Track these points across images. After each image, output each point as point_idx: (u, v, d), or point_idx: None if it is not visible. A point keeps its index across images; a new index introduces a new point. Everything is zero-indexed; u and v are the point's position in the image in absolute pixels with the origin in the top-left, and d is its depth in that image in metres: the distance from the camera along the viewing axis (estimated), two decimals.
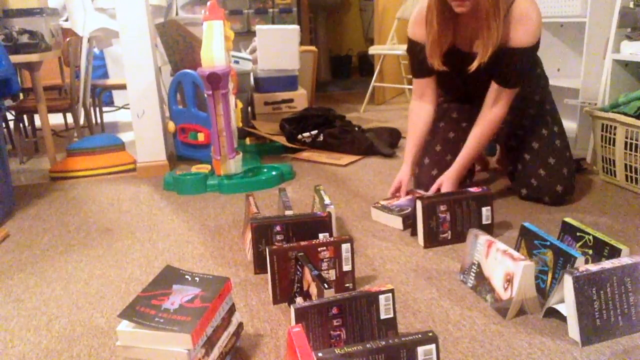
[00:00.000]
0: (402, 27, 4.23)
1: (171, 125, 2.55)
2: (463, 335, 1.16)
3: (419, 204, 1.59)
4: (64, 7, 3.36)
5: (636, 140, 1.88)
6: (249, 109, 3.23)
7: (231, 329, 1.10)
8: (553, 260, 1.25)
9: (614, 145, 1.98)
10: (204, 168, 2.35)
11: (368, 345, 0.91)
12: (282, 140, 2.75)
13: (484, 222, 1.62)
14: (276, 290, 1.31)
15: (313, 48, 3.80)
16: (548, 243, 1.27)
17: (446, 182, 1.76)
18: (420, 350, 0.93)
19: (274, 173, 2.29)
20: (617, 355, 1.07)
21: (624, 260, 1.14)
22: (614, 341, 1.11)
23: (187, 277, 1.10)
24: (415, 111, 1.88)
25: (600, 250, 1.28)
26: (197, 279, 1.09)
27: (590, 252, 1.31)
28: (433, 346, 0.93)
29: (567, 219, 1.40)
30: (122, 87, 3.00)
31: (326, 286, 1.12)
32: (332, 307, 1.07)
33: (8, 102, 3.37)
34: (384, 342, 0.91)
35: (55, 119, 3.74)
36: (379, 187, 2.17)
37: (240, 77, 2.87)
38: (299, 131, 2.79)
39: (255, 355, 1.13)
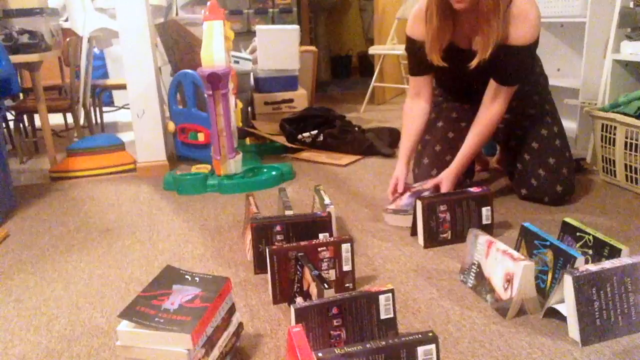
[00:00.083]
0: (402, 27, 4.22)
1: (171, 125, 2.55)
2: (463, 335, 1.16)
3: (419, 204, 1.59)
4: (64, 7, 3.36)
5: (636, 140, 1.88)
6: (249, 109, 3.23)
7: (231, 329, 1.10)
8: (553, 260, 1.25)
9: (614, 145, 1.98)
10: (204, 168, 2.35)
11: (368, 345, 0.91)
12: (282, 140, 2.75)
13: (484, 222, 1.62)
14: (276, 290, 1.31)
15: (313, 48, 3.80)
16: (548, 243, 1.27)
17: (445, 180, 1.76)
18: (420, 350, 0.93)
19: (274, 173, 2.29)
20: (617, 355, 1.07)
21: (624, 260, 1.14)
22: (614, 341, 1.11)
23: (187, 277, 1.10)
24: (411, 109, 1.88)
25: (600, 250, 1.28)
26: (197, 279, 1.09)
27: (590, 252, 1.31)
28: (433, 346, 0.93)
29: (567, 219, 1.40)
30: (122, 87, 3.00)
31: (326, 286, 1.12)
32: (332, 307, 1.07)
33: (8, 102, 3.37)
34: (384, 342, 0.91)
35: (55, 119, 3.74)
36: (379, 187, 2.17)
37: (240, 77, 2.87)
38: (299, 131, 2.79)
39: (255, 355, 1.13)
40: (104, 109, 4.07)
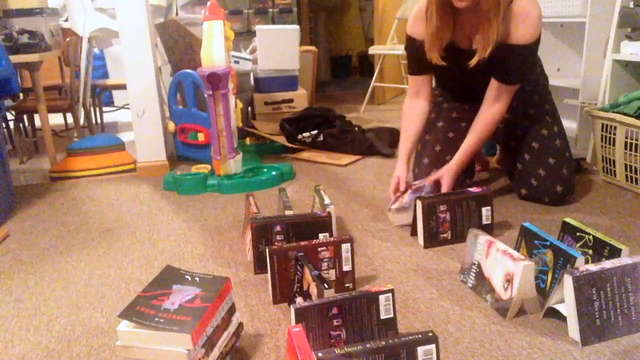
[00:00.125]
0: (402, 27, 4.22)
1: (171, 125, 2.55)
2: (463, 335, 1.16)
3: (419, 204, 1.59)
4: (64, 7, 3.36)
5: (636, 140, 1.88)
6: (249, 109, 3.23)
7: (231, 329, 1.10)
8: (553, 260, 1.25)
9: (614, 145, 1.98)
10: (204, 168, 2.35)
11: (368, 345, 0.91)
12: (282, 140, 2.75)
13: (484, 222, 1.62)
14: (276, 290, 1.31)
15: (313, 48, 3.80)
16: (548, 243, 1.27)
17: (446, 175, 1.75)
18: (420, 350, 0.93)
19: (274, 173, 2.29)
20: (617, 355, 1.07)
21: (624, 260, 1.14)
22: (614, 341, 1.11)
23: (187, 277, 1.10)
24: (410, 108, 1.87)
25: (600, 250, 1.28)
26: (197, 279, 1.09)
27: (590, 252, 1.31)
28: (433, 346, 0.93)
29: (567, 219, 1.40)
30: (122, 87, 3.00)
31: (326, 286, 1.12)
32: (332, 307, 1.07)
33: (8, 102, 3.37)
34: (384, 342, 0.91)
35: (55, 119, 3.74)
36: (379, 187, 2.17)
37: (240, 77, 2.87)
38: (299, 131, 2.79)
39: (255, 355, 1.13)
40: (104, 109, 4.07)
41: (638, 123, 1.85)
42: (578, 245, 1.35)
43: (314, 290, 1.18)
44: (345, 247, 1.32)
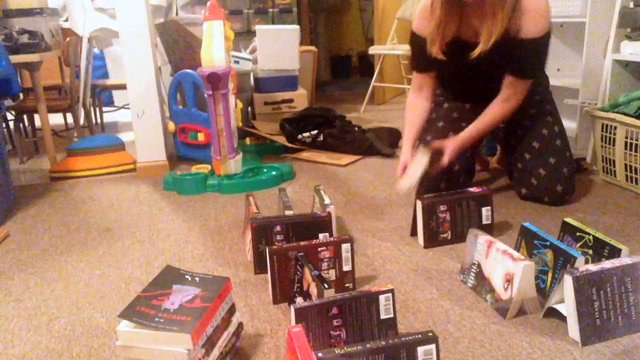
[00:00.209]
0: (402, 27, 4.23)
1: (171, 125, 2.55)
2: (463, 335, 1.16)
3: (419, 204, 1.59)
4: (64, 7, 3.36)
5: (636, 140, 1.88)
6: (249, 109, 3.23)
7: (231, 329, 1.10)
8: (553, 260, 1.25)
9: (614, 145, 1.98)
10: (204, 168, 2.35)
11: (368, 345, 0.91)
12: (282, 140, 2.75)
13: (484, 222, 1.62)
14: (276, 290, 1.31)
15: (313, 48, 3.80)
16: (548, 243, 1.27)
17: (449, 145, 1.76)
18: (420, 350, 0.93)
19: (274, 173, 2.29)
20: (617, 355, 1.07)
21: (624, 260, 1.14)
22: (614, 341, 1.11)
23: (187, 277, 1.10)
24: (413, 105, 1.90)
25: (600, 250, 1.28)
26: (197, 279, 1.09)
27: (590, 252, 1.31)
28: (433, 346, 0.93)
29: (567, 219, 1.40)
30: (122, 87, 2.99)
31: (326, 286, 1.12)
32: (332, 307, 1.07)
33: (8, 102, 3.37)
34: (384, 342, 0.91)
35: (55, 119, 3.73)
36: (379, 187, 2.17)
37: (240, 77, 2.87)
38: (299, 131, 2.79)
39: (255, 355, 1.13)
40: (104, 109, 4.07)
41: (638, 123, 1.85)
42: (578, 245, 1.35)
43: (314, 290, 1.18)
44: (345, 247, 1.32)
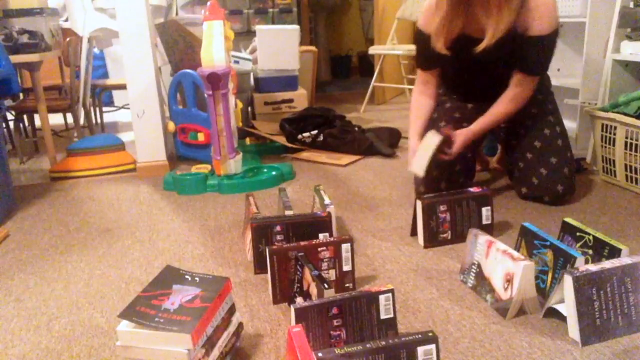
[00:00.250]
0: (402, 27, 4.23)
1: (171, 125, 2.55)
2: (463, 335, 1.16)
3: (419, 204, 1.59)
4: (64, 7, 3.36)
5: (636, 140, 1.88)
6: (249, 109, 3.23)
7: (231, 329, 1.10)
8: (553, 260, 1.25)
9: (614, 145, 1.98)
10: (204, 168, 2.35)
11: (368, 345, 0.91)
12: (282, 140, 2.75)
13: (484, 222, 1.62)
14: (276, 290, 1.31)
15: (313, 48, 3.80)
16: (548, 243, 1.27)
17: (459, 135, 1.78)
18: (420, 350, 0.93)
19: (274, 173, 2.29)
20: (617, 355, 1.07)
21: (624, 260, 1.14)
22: (614, 341, 1.11)
23: (187, 277, 1.10)
24: (418, 102, 1.93)
25: (600, 250, 1.28)
26: (197, 279, 1.09)
27: (590, 252, 1.31)
28: (433, 346, 0.93)
29: (567, 219, 1.40)
30: (122, 87, 3.00)
31: (326, 286, 1.12)
32: (332, 307, 1.07)
33: (8, 102, 3.37)
34: (384, 342, 0.91)
35: (55, 119, 3.74)
36: (379, 187, 2.17)
37: (240, 77, 2.87)
38: (299, 131, 2.79)
39: (255, 355, 1.13)
40: (104, 109, 4.07)
41: (638, 123, 1.86)
42: (578, 245, 1.35)
43: (314, 290, 1.18)
44: (345, 247, 1.32)
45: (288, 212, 1.55)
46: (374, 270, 1.47)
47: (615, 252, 1.24)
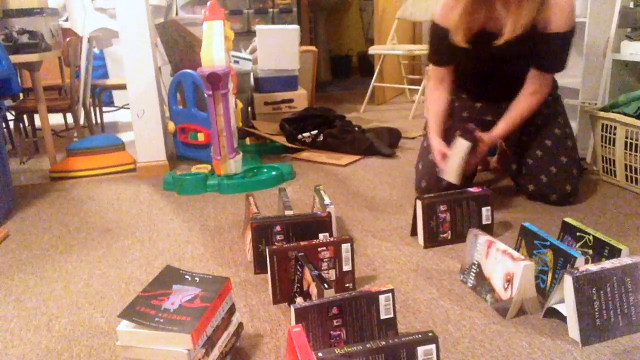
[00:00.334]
0: (402, 27, 4.23)
1: (171, 125, 2.55)
2: (463, 335, 1.16)
3: (419, 204, 1.59)
4: (64, 7, 3.36)
5: (636, 140, 1.88)
6: (249, 109, 3.23)
7: (231, 329, 1.10)
8: (553, 260, 1.25)
9: (614, 145, 1.99)
10: (204, 168, 2.35)
11: (368, 345, 0.91)
12: (282, 140, 2.75)
13: (484, 222, 1.62)
14: (276, 290, 1.31)
15: (313, 48, 3.80)
16: (548, 243, 1.27)
17: (485, 136, 1.77)
18: (420, 350, 0.93)
19: (274, 173, 2.29)
20: (617, 355, 1.07)
21: (624, 260, 1.14)
22: (614, 341, 1.11)
23: (187, 277, 1.10)
24: (435, 97, 1.92)
25: (600, 250, 1.28)
26: (197, 279, 1.09)
27: (590, 252, 1.31)
28: (433, 346, 0.93)
29: (567, 219, 1.40)
30: (122, 87, 3.00)
31: (326, 286, 1.12)
32: (332, 307, 1.07)
33: (8, 102, 3.37)
34: (384, 342, 0.91)
35: (55, 119, 3.74)
36: (379, 187, 2.17)
37: (240, 77, 2.87)
38: (299, 131, 2.79)
39: (255, 355, 1.13)
40: (104, 109, 4.07)
41: (638, 123, 1.86)
42: (578, 245, 1.35)
43: (314, 290, 1.18)
44: (345, 247, 1.32)
45: (288, 212, 1.55)
46: (374, 270, 1.47)
47: (615, 252, 1.24)
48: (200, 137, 2.44)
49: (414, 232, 1.66)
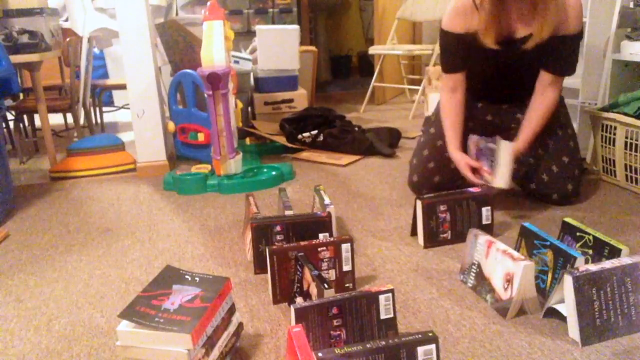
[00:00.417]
0: (402, 27, 4.23)
1: (171, 125, 2.55)
2: (463, 335, 1.16)
3: (418, 204, 1.59)
4: (64, 7, 3.36)
5: (636, 140, 1.88)
6: (249, 109, 3.23)
7: (231, 329, 1.10)
8: (553, 260, 1.25)
9: (614, 145, 1.99)
10: (204, 168, 2.35)
11: (368, 345, 0.91)
12: (282, 140, 2.75)
13: (484, 222, 1.62)
14: (276, 290, 1.31)
15: (313, 48, 3.80)
16: (548, 243, 1.27)
17: (514, 150, 1.73)
18: (420, 350, 0.93)
19: (274, 173, 2.29)
20: (617, 355, 1.07)
21: (624, 260, 1.14)
22: (614, 341, 1.11)
23: (187, 277, 1.10)
24: (450, 106, 1.85)
25: (600, 250, 1.28)
26: (197, 279, 1.09)
27: (590, 252, 1.31)
28: (433, 346, 0.93)
29: (567, 219, 1.40)
30: (122, 87, 3.00)
31: (326, 286, 1.12)
32: (332, 307, 1.07)
33: (8, 102, 3.37)
34: (384, 342, 0.91)
35: (55, 119, 3.74)
36: (379, 187, 2.17)
37: (240, 77, 2.87)
38: (299, 131, 2.79)
39: (255, 355, 1.13)
40: (104, 109, 4.07)
41: (638, 123, 1.86)
42: (578, 245, 1.35)
43: (314, 290, 1.18)
44: (345, 247, 1.32)
45: (288, 212, 1.55)
46: (374, 270, 1.47)
47: (615, 252, 1.24)
48: (200, 137, 2.44)
49: (414, 232, 1.66)
